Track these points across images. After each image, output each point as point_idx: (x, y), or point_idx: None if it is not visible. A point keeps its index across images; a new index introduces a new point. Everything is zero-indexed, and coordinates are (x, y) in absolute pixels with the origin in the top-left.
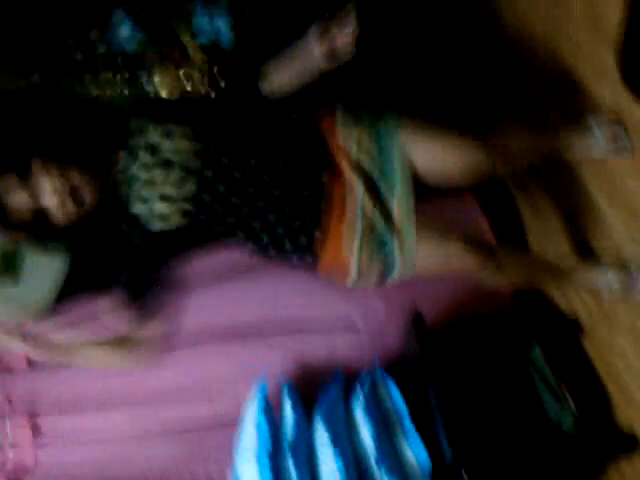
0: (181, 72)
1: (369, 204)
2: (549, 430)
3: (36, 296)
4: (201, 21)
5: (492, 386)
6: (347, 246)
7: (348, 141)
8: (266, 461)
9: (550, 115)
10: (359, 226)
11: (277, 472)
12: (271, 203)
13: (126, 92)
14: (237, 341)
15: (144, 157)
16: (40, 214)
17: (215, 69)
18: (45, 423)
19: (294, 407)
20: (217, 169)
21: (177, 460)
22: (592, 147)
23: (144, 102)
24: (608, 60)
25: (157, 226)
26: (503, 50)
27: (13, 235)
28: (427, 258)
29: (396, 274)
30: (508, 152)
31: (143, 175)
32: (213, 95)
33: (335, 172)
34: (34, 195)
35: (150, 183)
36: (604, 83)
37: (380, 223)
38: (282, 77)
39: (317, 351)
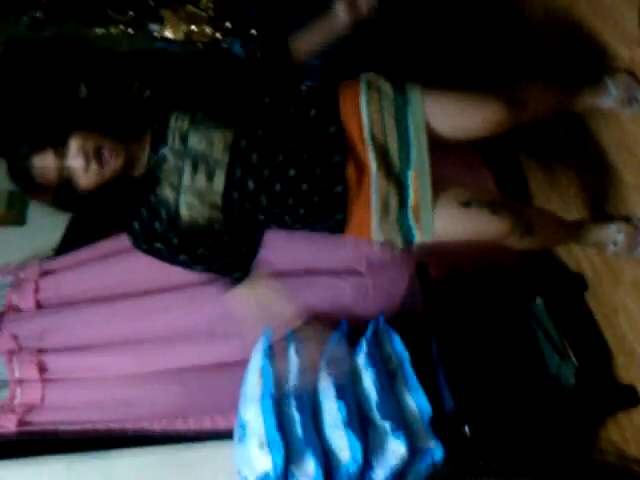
0: (186, 11)
1: (383, 182)
2: (550, 383)
3: (43, 236)
4: None
5: (494, 338)
6: (368, 223)
7: (367, 115)
8: (269, 403)
9: (565, 70)
10: (374, 204)
11: (280, 415)
12: (299, 198)
13: (130, 31)
14: None
15: (174, 143)
16: (64, 175)
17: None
18: (52, 360)
19: (298, 351)
20: (246, 166)
21: (183, 402)
22: (605, 100)
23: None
24: (628, 17)
25: (184, 214)
26: (521, 5)
27: (36, 197)
28: (449, 226)
29: (418, 242)
30: (526, 105)
31: (172, 160)
32: (219, 36)
33: (352, 155)
34: (60, 155)
35: (179, 171)
36: (622, 41)
37: (394, 199)
38: (307, 43)
39: (322, 299)
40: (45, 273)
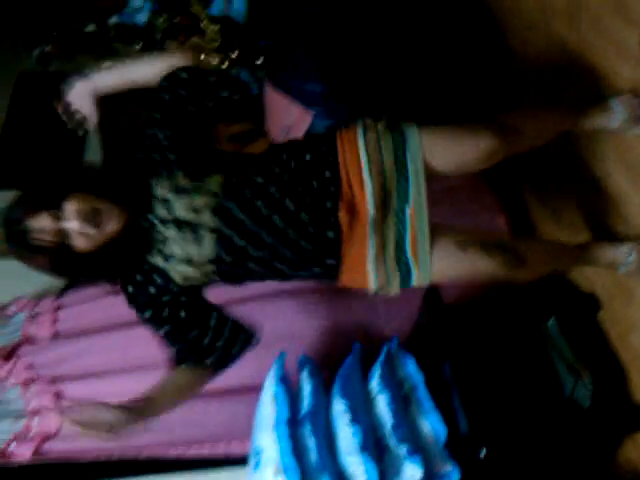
0: (192, 42)
1: (379, 221)
2: (565, 404)
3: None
4: None
5: (508, 360)
6: (363, 266)
7: (365, 154)
8: (284, 429)
9: (569, 92)
10: (371, 244)
11: (295, 440)
12: (290, 246)
13: None
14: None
15: (160, 211)
16: (60, 237)
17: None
18: (68, 389)
19: (311, 376)
20: (236, 226)
21: (198, 428)
22: (611, 121)
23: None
24: (628, 37)
25: (179, 281)
26: (520, 27)
27: (31, 259)
28: (446, 267)
29: (415, 284)
30: (521, 132)
31: (160, 228)
32: (225, 66)
33: (344, 200)
34: (55, 217)
35: (167, 240)
36: (623, 60)
37: (392, 239)
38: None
39: (336, 321)
40: (60, 306)
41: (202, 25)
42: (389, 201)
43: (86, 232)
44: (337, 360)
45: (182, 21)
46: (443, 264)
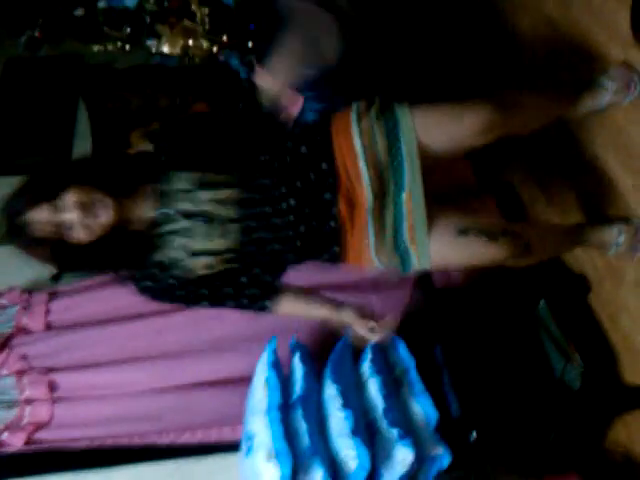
0: (183, 26)
1: (377, 209)
2: (555, 385)
3: None
4: None
5: (499, 343)
6: (365, 252)
7: (360, 144)
8: (276, 414)
9: (563, 76)
10: (370, 230)
11: (287, 424)
12: (302, 239)
13: (127, 47)
14: None
15: (181, 204)
16: (60, 228)
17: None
18: (61, 379)
19: (303, 360)
20: (257, 217)
21: (190, 415)
22: (603, 98)
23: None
24: (619, 18)
25: (200, 272)
26: (511, 8)
27: (32, 250)
28: (448, 252)
29: (415, 268)
30: (515, 110)
31: (181, 222)
32: (215, 50)
33: (343, 191)
34: (54, 208)
35: (191, 233)
36: (614, 41)
37: (390, 221)
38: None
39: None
40: (54, 296)
41: (192, 8)
42: (386, 188)
43: (86, 223)
44: (329, 348)
45: (172, 4)
46: (444, 249)
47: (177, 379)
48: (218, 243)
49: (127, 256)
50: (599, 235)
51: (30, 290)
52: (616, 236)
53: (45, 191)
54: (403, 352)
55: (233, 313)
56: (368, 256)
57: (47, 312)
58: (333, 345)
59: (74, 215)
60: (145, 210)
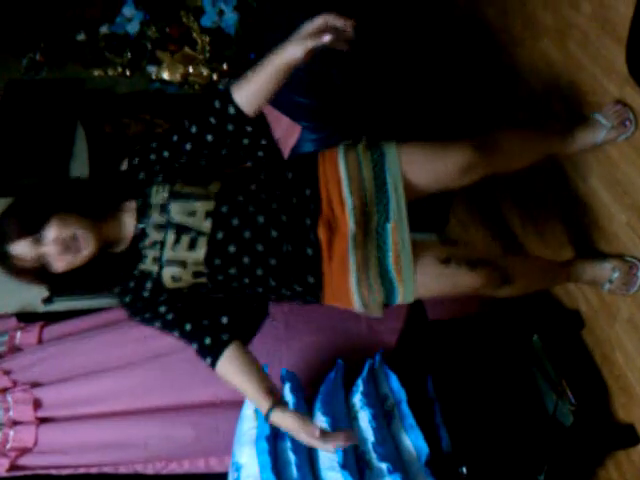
0: (183, 53)
1: (360, 238)
2: (547, 422)
3: None
4: (206, 3)
5: (491, 376)
6: (344, 286)
7: (345, 172)
8: (265, 445)
9: (558, 112)
10: (352, 261)
11: (275, 456)
12: (281, 259)
13: (127, 73)
14: None
15: (156, 217)
16: (40, 261)
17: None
18: (46, 393)
19: (293, 391)
20: (228, 230)
21: (177, 444)
22: (598, 134)
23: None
24: (616, 55)
25: (169, 285)
26: (507, 44)
27: (18, 279)
28: (429, 282)
29: (399, 301)
30: (498, 150)
31: (154, 235)
32: (215, 77)
33: (323, 217)
34: (36, 241)
35: (161, 244)
36: (610, 78)
37: (373, 255)
38: (251, 85)
39: (318, 339)
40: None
41: (193, 36)
42: (370, 218)
43: (66, 257)
44: (320, 377)
45: (173, 32)
46: (427, 280)
47: (164, 398)
48: (186, 255)
49: (112, 275)
50: (592, 271)
51: (26, 319)
52: (610, 272)
53: (25, 225)
54: (395, 385)
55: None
56: (348, 288)
57: (41, 331)
58: (324, 370)
59: (54, 249)
60: (127, 228)
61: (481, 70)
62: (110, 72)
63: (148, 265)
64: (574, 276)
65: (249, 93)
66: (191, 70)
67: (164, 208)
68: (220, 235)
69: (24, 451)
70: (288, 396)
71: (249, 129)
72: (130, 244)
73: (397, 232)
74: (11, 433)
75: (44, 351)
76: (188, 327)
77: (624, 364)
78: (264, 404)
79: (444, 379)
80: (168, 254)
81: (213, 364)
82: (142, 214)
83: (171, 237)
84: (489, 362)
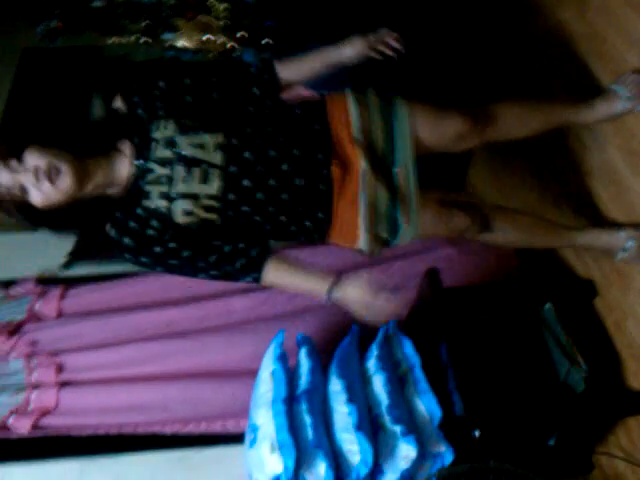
0: (200, 20)
1: (371, 178)
2: (559, 388)
3: (56, 241)
4: None
5: (504, 343)
6: (353, 221)
7: (356, 114)
8: (281, 407)
9: (576, 81)
10: (363, 200)
11: (292, 418)
12: (293, 193)
13: (142, 40)
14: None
15: (160, 152)
16: (17, 190)
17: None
18: (69, 359)
19: (309, 355)
20: (241, 164)
21: (195, 406)
22: (617, 105)
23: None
24: (636, 25)
25: (180, 220)
26: (525, 12)
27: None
28: (427, 223)
29: (399, 241)
30: (495, 121)
31: (160, 170)
32: (229, 45)
33: (336, 153)
34: (13, 172)
35: (169, 179)
36: (630, 48)
37: (383, 193)
38: (303, 69)
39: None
40: (68, 287)
41: (210, 3)
42: (378, 160)
43: (41, 188)
44: (335, 343)
45: None
46: (425, 220)
47: (183, 364)
48: (198, 187)
49: (104, 215)
50: (607, 239)
51: (45, 282)
52: (624, 241)
53: (6, 147)
54: (409, 350)
55: (240, 303)
56: (357, 227)
57: (61, 300)
58: (340, 338)
59: (29, 178)
60: (121, 169)
61: (499, 39)
62: (125, 39)
63: (154, 201)
64: (586, 243)
65: (292, 72)
66: (208, 37)
67: (171, 142)
68: (234, 169)
69: (46, 412)
70: (304, 359)
71: (271, 95)
72: (128, 184)
73: (403, 176)
74: (33, 395)
75: (68, 326)
76: (213, 258)
77: (636, 332)
78: (322, 287)
79: (457, 346)
80: (178, 187)
81: (257, 279)
82: (141, 151)
83: (180, 171)
84: (502, 329)
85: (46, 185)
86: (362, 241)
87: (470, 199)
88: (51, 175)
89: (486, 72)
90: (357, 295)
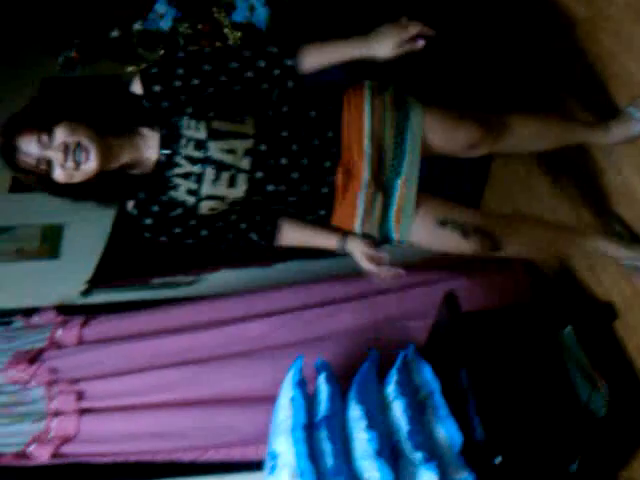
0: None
1: (371, 188)
2: (581, 412)
3: (76, 269)
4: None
5: (524, 368)
6: (351, 221)
7: (369, 125)
8: (301, 434)
9: (589, 101)
10: (360, 206)
11: (311, 445)
12: (300, 196)
13: None
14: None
15: (190, 150)
16: (43, 164)
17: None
18: (89, 387)
19: (328, 381)
20: (267, 170)
21: (214, 433)
22: (631, 130)
23: None
24: None
25: (204, 212)
26: (539, 34)
27: (22, 177)
28: (422, 236)
29: (393, 244)
30: (515, 133)
31: (188, 167)
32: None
33: (343, 161)
34: (44, 143)
35: (199, 178)
36: None
37: (379, 203)
38: (322, 58)
39: (353, 328)
40: (90, 318)
41: (224, 31)
42: (384, 169)
43: (66, 167)
44: (354, 369)
45: (204, 28)
46: (421, 234)
47: (202, 391)
48: (227, 191)
49: (127, 191)
50: (621, 250)
51: (65, 312)
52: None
53: (38, 120)
54: (428, 375)
55: (258, 329)
56: (352, 226)
57: (82, 328)
58: (358, 364)
59: (58, 155)
60: (146, 152)
61: (513, 60)
62: (142, 68)
63: (181, 194)
64: (599, 249)
65: (314, 59)
66: None
67: (202, 144)
68: (260, 174)
69: (66, 440)
70: (323, 385)
71: (292, 79)
72: (153, 169)
73: (405, 188)
74: (54, 423)
75: (88, 354)
76: (231, 235)
77: None
78: (333, 240)
79: (477, 370)
80: (207, 189)
81: (272, 242)
82: (168, 142)
83: (210, 173)
84: (522, 353)
85: (71, 165)
86: (357, 228)
87: (481, 222)
88: (77, 155)
89: (502, 85)
90: (361, 247)
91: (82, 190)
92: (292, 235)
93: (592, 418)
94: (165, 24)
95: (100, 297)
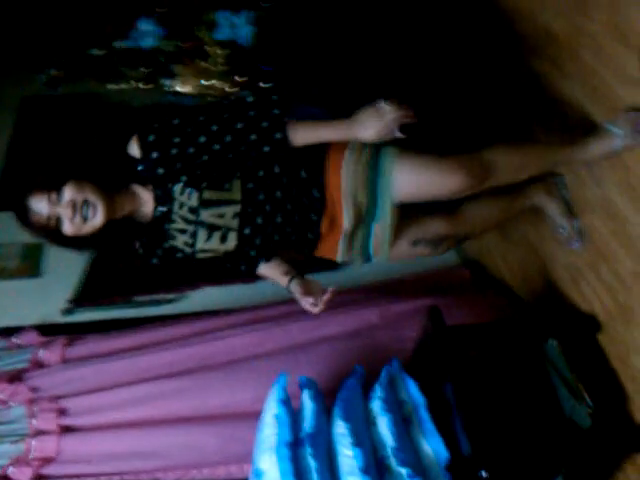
0: (197, 66)
1: (350, 232)
2: (565, 424)
3: (58, 288)
4: (220, 17)
5: (509, 381)
6: (333, 253)
7: (347, 182)
8: (285, 452)
9: (570, 119)
10: (342, 245)
11: (296, 462)
12: (288, 242)
13: (141, 85)
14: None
15: (183, 212)
16: (53, 220)
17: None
18: (70, 403)
19: (313, 398)
20: (254, 226)
21: (197, 452)
22: (612, 144)
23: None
24: (627, 61)
25: (202, 257)
26: (518, 51)
27: (33, 233)
28: (398, 256)
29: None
30: (501, 170)
31: (182, 225)
32: (228, 89)
33: (327, 213)
34: (53, 201)
35: (193, 235)
36: (622, 85)
37: (359, 241)
38: (308, 139)
39: (337, 346)
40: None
41: (208, 49)
42: (360, 217)
43: (74, 221)
44: (338, 385)
45: (187, 46)
46: (398, 254)
47: (185, 407)
48: (218, 246)
49: (132, 236)
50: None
51: (47, 332)
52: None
53: (47, 181)
54: (413, 390)
55: (244, 349)
56: (334, 258)
57: (65, 348)
58: (343, 377)
59: (67, 212)
60: (144, 204)
61: (490, 78)
62: (124, 86)
63: (179, 244)
64: (541, 200)
65: (302, 138)
66: (204, 82)
67: (194, 210)
68: (248, 231)
69: (47, 460)
70: (307, 402)
71: (280, 156)
72: (151, 220)
73: (380, 231)
74: (34, 442)
75: (70, 371)
76: (229, 265)
77: None
78: (286, 280)
79: (462, 384)
80: (201, 245)
81: (252, 271)
82: (163, 201)
83: (203, 234)
84: (506, 367)
85: (78, 220)
86: (339, 259)
87: (447, 231)
88: (85, 211)
89: (477, 112)
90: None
91: (88, 241)
92: (264, 271)
93: (576, 430)
94: (148, 42)
95: (82, 315)
